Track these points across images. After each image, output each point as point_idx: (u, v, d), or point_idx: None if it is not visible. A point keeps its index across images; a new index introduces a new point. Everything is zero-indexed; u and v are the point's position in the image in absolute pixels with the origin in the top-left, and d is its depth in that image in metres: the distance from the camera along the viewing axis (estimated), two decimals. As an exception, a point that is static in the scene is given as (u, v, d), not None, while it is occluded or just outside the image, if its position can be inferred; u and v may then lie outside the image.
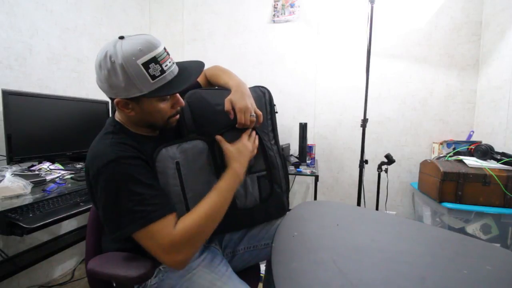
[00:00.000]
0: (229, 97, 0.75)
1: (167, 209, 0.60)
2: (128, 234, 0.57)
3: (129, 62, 0.58)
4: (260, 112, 0.77)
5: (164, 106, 0.67)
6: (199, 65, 0.71)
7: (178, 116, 0.73)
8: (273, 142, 0.86)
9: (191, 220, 0.61)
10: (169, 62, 0.64)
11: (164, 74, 0.62)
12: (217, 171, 0.73)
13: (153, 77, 0.60)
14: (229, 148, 0.72)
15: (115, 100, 0.64)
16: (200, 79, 0.90)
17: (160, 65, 0.61)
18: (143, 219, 0.57)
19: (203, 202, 0.64)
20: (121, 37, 0.62)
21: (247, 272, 0.90)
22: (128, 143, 0.64)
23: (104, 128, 0.70)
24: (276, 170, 0.83)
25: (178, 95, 0.70)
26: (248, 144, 0.74)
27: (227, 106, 0.74)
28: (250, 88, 0.81)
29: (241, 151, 0.72)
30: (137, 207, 0.57)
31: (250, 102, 0.75)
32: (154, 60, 0.60)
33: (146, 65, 0.59)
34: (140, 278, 0.58)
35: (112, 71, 0.59)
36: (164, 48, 0.64)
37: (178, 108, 0.71)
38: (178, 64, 0.69)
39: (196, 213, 0.62)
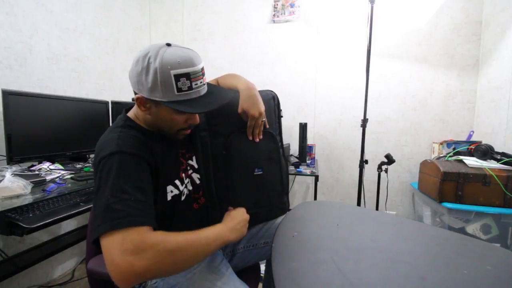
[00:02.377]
0: (241, 101, 0.78)
1: (147, 220, 0.54)
2: (98, 235, 0.50)
3: (163, 69, 0.60)
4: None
5: (179, 118, 0.68)
6: (225, 96, 0.71)
7: (188, 131, 0.74)
8: (280, 144, 0.88)
9: (172, 238, 0.54)
10: (200, 83, 0.65)
11: (190, 92, 0.63)
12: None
13: (179, 90, 0.62)
14: (230, 213, 0.74)
15: (136, 95, 0.66)
16: (212, 82, 0.92)
17: (191, 82, 0.63)
18: (121, 219, 0.51)
19: (192, 233, 0.59)
20: (168, 44, 0.63)
21: (247, 272, 0.91)
22: (137, 138, 0.64)
23: (114, 123, 0.71)
24: (284, 171, 0.86)
25: (196, 115, 0.71)
26: (246, 216, 0.74)
27: (240, 109, 0.77)
28: (259, 92, 0.83)
29: (240, 220, 0.72)
30: (116, 205, 0.52)
31: (262, 107, 0.78)
32: (187, 75, 0.62)
33: (177, 77, 0.61)
34: None
35: (145, 70, 0.61)
36: (202, 68, 0.65)
37: (191, 123, 0.72)
38: (208, 84, 0.71)
39: (181, 236, 0.56)
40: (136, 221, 0.52)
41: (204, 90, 0.68)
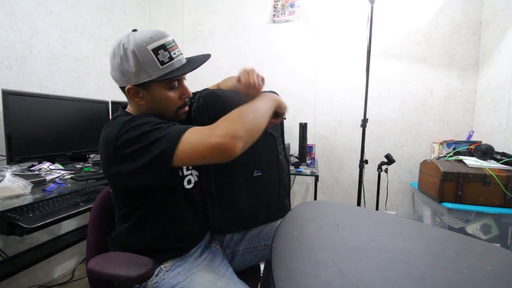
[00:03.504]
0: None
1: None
2: (173, 153, 0.56)
3: (140, 48, 0.62)
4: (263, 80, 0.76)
5: (172, 95, 0.69)
6: (206, 56, 0.73)
7: (187, 108, 0.74)
8: (281, 146, 0.87)
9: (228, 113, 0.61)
10: (178, 52, 0.68)
11: (173, 61, 0.66)
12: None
13: (162, 63, 0.64)
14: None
15: (126, 88, 0.67)
16: (213, 88, 0.93)
17: (169, 52, 0.65)
18: (177, 134, 0.57)
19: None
20: (134, 30, 0.67)
21: (247, 273, 0.90)
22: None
23: (113, 116, 0.71)
24: (285, 173, 0.85)
25: (186, 85, 0.72)
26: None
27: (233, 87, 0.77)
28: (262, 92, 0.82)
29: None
30: (166, 130, 0.58)
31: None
32: (163, 47, 0.64)
33: (155, 51, 0.63)
34: (140, 278, 0.58)
35: (124, 57, 0.63)
36: (173, 40, 0.68)
37: (187, 99, 0.73)
38: (187, 58, 0.73)
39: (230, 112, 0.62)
40: (185, 128, 0.58)
41: (183, 59, 0.70)
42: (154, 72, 0.64)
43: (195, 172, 0.79)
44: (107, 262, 0.63)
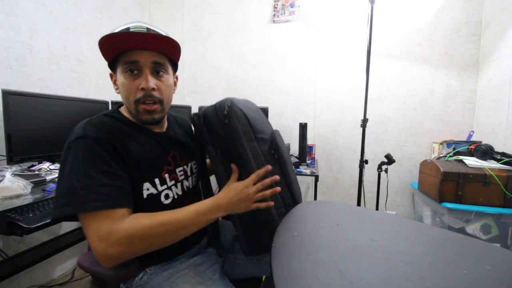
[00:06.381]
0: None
1: (116, 202, 0.55)
2: (59, 215, 0.53)
3: (108, 33, 0.61)
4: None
5: (128, 82, 0.64)
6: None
7: (151, 107, 0.66)
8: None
9: (145, 222, 0.56)
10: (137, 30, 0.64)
11: (112, 32, 0.61)
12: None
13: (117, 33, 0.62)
14: (232, 181, 0.67)
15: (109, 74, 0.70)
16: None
17: (129, 29, 0.63)
18: (84, 204, 0.52)
19: (169, 212, 0.60)
20: None
21: (247, 284, 0.88)
22: (108, 124, 0.63)
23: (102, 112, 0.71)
24: (294, 184, 0.80)
25: (146, 74, 0.64)
26: (248, 190, 0.65)
27: None
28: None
29: (236, 187, 0.65)
30: (82, 190, 0.53)
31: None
32: (127, 29, 0.63)
33: (119, 32, 0.62)
34: (119, 277, 0.58)
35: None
36: (147, 28, 0.64)
37: (148, 92, 0.64)
38: None
39: (155, 219, 0.57)
40: (100, 206, 0.53)
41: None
42: (112, 46, 0.62)
43: (175, 189, 0.73)
44: (94, 258, 0.64)
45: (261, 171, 0.66)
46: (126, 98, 0.66)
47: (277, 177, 0.68)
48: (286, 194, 0.75)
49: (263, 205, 0.67)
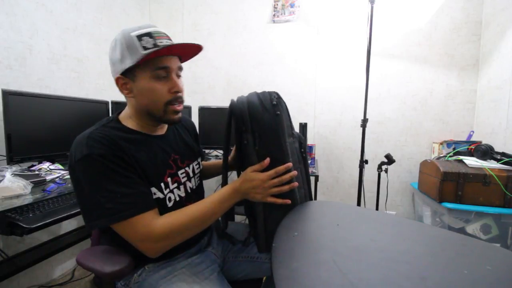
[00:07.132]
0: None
1: (139, 209, 0.60)
2: (99, 227, 0.60)
3: (125, 36, 0.63)
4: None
5: (159, 86, 0.66)
6: (198, 45, 0.71)
7: (179, 107, 0.70)
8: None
9: (176, 218, 0.63)
10: (166, 41, 0.65)
11: (158, 49, 0.62)
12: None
13: (145, 48, 0.62)
14: (248, 171, 0.68)
15: (115, 79, 0.67)
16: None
17: (155, 40, 0.63)
18: (114, 216, 0.57)
19: (194, 205, 0.66)
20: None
21: (247, 285, 0.88)
22: (107, 137, 0.62)
23: (99, 122, 0.70)
24: (306, 184, 0.81)
25: (176, 79, 0.68)
26: (264, 184, 0.66)
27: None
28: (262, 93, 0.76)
29: (253, 178, 0.66)
30: (108, 204, 0.57)
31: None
32: (149, 34, 0.64)
33: (139, 37, 0.63)
34: (113, 275, 0.59)
35: (113, 47, 0.65)
36: (165, 33, 0.67)
37: (179, 95, 0.69)
38: None
39: (186, 213, 0.64)
40: (127, 215, 0.58)
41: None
42: (135, 56, 0.62)
43: (177, 191, 0.74)
44: (92, 256, 0.65)
45: (281, 168, 0.67)
46: (154, 101, 0.67)
47: (295, 172, 0.69)
48: (307, 192, 0.78)
49: (279, 201, 0.68)
